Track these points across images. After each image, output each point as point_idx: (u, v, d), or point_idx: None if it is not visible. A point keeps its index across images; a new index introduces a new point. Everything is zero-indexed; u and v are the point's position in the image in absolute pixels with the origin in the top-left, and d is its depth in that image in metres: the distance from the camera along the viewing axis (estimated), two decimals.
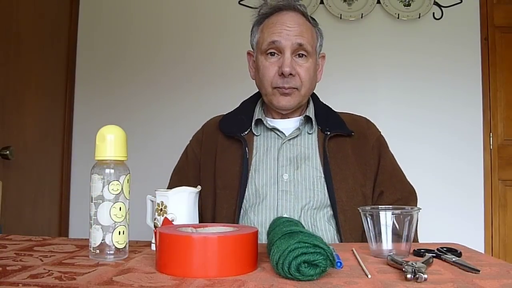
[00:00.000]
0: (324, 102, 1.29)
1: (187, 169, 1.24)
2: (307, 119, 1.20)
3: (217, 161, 1.18)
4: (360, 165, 1.15)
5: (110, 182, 0.73)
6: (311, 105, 1.24)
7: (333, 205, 1.10)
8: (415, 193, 1.21)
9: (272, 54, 1.14)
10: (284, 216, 1.01)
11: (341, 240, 1.09)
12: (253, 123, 1.20)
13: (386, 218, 0.76)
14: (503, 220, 2.13)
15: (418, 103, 2.18)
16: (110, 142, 0.74)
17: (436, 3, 2.18)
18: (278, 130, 1.19)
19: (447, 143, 2.15)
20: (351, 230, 1.09)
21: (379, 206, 0.87)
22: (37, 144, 1.93)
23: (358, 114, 1.29)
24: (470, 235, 2.08)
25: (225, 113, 1.28)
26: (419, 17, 2.16)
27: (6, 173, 1.68)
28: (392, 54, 2.20)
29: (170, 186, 1.24)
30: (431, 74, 2.18)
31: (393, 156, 1.24)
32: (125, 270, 0.65)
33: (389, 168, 1.19)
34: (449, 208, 2.09)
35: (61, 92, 2.17)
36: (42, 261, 0.70)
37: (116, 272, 0.64)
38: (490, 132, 2.16)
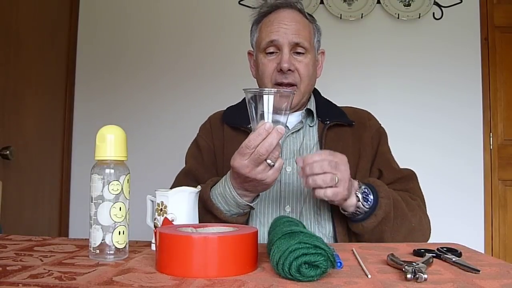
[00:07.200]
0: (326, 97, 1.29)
1: (201, 157, 1.23)
2: (309, 112, 1.22)
3: (225, 152, 1.19)
4: (358, 156, 1.16)
5: (110, 182, 0.73)
6: (312, 99, 1.26)
7: None
8: (415, 173, 1.21)
9: (271, 52, 1.16)
10: (285, 215, 1.01)
11: (334, 227, 1.08)
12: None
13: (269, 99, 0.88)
14: (503, 220, 2.13)
15: (418, 103, 2.18)
16: (110, 142, 0.74)
17: (436, 3, 2.18)
18: None
19: (447, 143, 2.15)
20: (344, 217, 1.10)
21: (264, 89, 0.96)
22: (37, 144, 1.93)
23: (361, 108, 1.29)
24: (470, 235, 2.08)
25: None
26: (419, 17, 2.16)
27: (6, 173, 1.67)
28: (392, 54, 2.20)
29: (186, 173, 1.20)
30: (431, 74, 2.18)
31: (390, 149, 1.24)
32: (125, 270, 0.65)
33: (387, 154, 1.21)
34: (449, 208, 2.09)
35: (61, 92, 2.17)
36: (42, 261, 0.70)
37: (116, 272, 0.64)
38: (490, 132, 2.16)
